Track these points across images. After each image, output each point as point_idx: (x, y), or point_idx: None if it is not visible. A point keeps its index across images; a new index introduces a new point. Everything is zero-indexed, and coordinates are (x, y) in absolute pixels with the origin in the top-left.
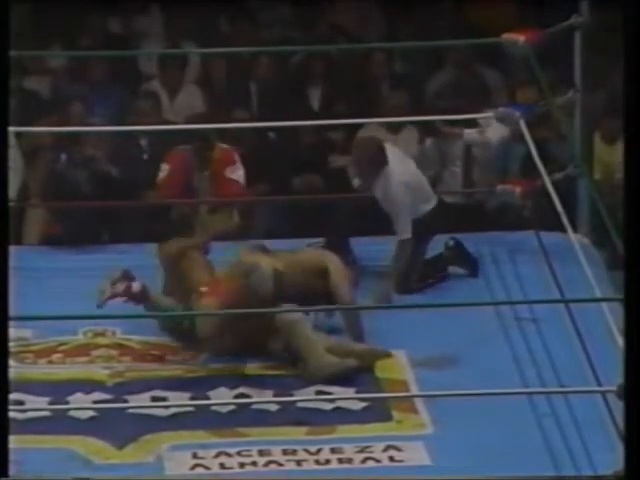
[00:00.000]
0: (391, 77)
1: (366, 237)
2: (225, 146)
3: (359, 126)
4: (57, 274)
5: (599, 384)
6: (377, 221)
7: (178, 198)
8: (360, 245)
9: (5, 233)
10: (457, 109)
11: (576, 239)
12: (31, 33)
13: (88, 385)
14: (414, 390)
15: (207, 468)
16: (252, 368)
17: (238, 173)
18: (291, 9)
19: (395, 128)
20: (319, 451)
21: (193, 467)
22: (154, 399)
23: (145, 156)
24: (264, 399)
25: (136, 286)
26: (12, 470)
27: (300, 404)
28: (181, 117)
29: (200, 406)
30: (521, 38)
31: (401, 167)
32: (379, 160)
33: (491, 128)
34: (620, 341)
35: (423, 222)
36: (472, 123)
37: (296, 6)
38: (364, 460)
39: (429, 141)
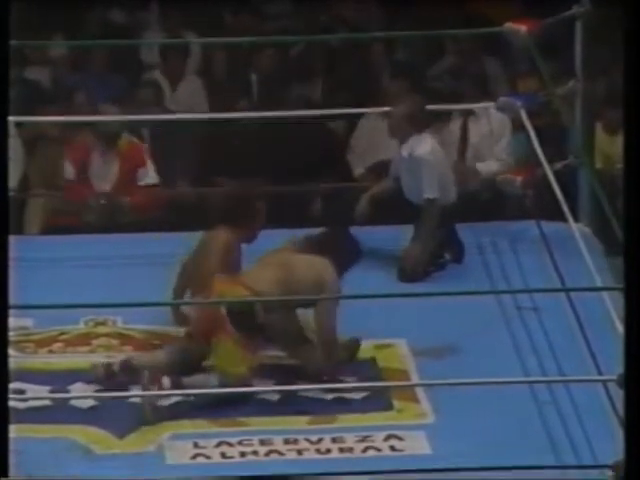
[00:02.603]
0: (392, 67)
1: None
2: (133, 139)
3: (360, 116)
4: (58, 264)
5: (600, 373)
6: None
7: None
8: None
9: (5, 223)
10: (455, 94)
11: (577, 228)
12: (32, 23)
13: (89, 374)
14: (415, 379)
15: (208, 457)
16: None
17: (150, 175)
18: (293, 2)
19: None
20: (320, 440)
21: (194, 456)
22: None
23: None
24: (265, 388)
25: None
26: (13, 459)
27: (301, 393)
28: (182, 107)
29: (200, 395)
30: (522, 28)
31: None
32: (420, 122)
33: (493, 118)
34: (620, 330)
35: (441, 213)
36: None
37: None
38: (365, 449)
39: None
